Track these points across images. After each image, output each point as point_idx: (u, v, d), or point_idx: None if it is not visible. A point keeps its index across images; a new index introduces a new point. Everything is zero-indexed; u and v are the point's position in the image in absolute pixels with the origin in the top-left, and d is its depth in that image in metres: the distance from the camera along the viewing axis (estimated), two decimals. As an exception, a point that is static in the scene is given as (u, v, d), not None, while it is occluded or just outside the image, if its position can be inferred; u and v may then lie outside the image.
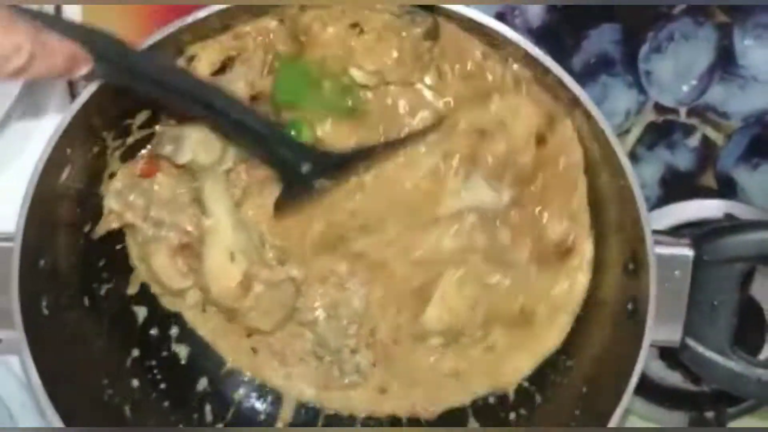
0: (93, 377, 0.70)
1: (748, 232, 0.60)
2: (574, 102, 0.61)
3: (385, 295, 0.73)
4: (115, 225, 0.70)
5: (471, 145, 0.68)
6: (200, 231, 0.69)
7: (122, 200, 0.70)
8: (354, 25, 0.65)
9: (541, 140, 0.67)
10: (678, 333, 0.62)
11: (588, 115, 0.61)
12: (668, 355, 0.81)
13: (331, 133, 0.68)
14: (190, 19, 0.60)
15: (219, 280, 0.69)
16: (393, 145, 0.69)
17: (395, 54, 0.65)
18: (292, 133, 0.66)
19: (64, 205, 0.66)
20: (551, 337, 0.71)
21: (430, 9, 0.64)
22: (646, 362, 0.82)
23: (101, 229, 0.70)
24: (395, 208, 0.71)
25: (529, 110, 0.67)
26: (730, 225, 0.60)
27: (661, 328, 0.61)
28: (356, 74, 0.66)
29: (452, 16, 0.63)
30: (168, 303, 0.76)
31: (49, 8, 0.78)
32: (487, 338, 0.72)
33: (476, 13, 0.61)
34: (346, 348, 0.74)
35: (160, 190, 0.71)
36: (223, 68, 0.67)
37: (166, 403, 0.74)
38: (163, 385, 0.75)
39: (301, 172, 0.66)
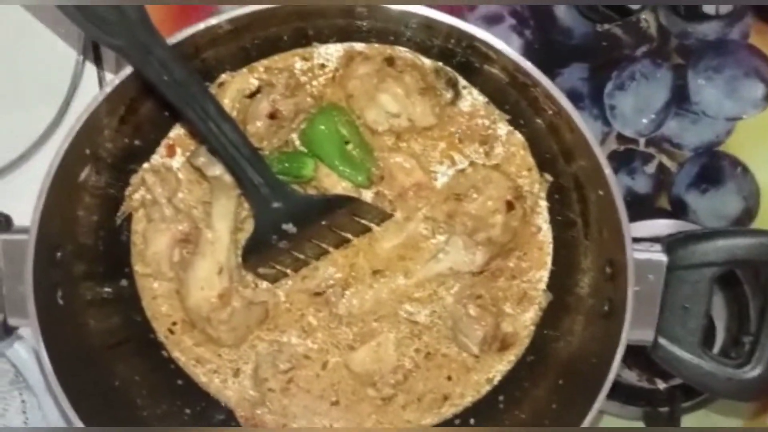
0: (104, 366, 0.63)
1: (718, 239, 0.55)
2: (559, 114, 0.56)
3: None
4: (143, 194, 0.65)
5: (449, 208, 0.65)
6: (198, 239, 0.63)
7: (158, 176, 0.64)
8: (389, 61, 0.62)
9: (510, 207, 0.64)
10: (651, 333, 0.57)
11: (572, 128, 0.55)
12: (625, 354, 0.76)
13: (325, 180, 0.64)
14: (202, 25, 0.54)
15: (202, 289, 0.63)
16: (367, 206, 0.64)
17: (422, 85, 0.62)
18: (293, 164, 0.61)
19: (84, 199, 0.60)
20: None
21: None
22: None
23: (128, 206, 0.65)
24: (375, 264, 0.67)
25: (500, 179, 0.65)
26: (701, 233, 0.56)
27: (635, 328, 0.56)
28: (386, 101, 0.62)
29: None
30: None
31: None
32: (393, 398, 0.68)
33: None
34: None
35: (188, 184, 0.66)
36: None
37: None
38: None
39: (271, 207, 0.61)
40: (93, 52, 0.75)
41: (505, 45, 0.57)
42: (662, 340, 0.56)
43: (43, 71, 0.73)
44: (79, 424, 0.57)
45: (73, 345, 0.60)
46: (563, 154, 0.61)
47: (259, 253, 0.63)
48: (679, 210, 0.80)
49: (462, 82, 0.65)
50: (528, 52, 0.79)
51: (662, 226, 0.78)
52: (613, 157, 0.80)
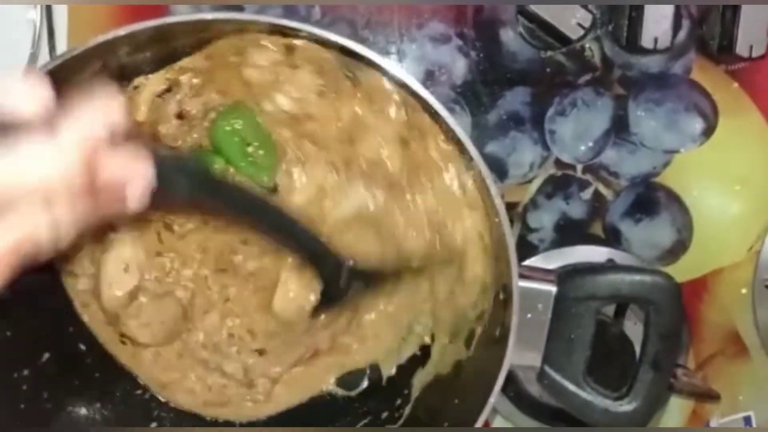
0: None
1: (604, 273, 0.57)
2: (457, 142, 0.58)
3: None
4: None
5: (344, 151, 0.65)
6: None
7: None
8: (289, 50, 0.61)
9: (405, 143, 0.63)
10: (538, 359, 0.58)
11: (469, 158, 0.57)
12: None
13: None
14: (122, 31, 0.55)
15: (111, 286, 0.65)
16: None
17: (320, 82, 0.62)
18: (203, 161, 0.63)
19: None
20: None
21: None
22: (528, 381, 0.80)
23: None
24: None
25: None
26: (590, 266, 0.58)
27: (523, 354, 0.58)
28: (281, 100, 0.63)
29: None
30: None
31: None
32: None
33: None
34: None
35: None
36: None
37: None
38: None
39: (339, 284, 0.64)
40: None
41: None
42: (548, 368, 0.57)
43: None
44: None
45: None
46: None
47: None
48: (612, 238, 0.81)
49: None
50: (473, 73, 0.81)
51: (595, 253, 0.79)
52: (550, 181, 0.82)
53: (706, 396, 0.76)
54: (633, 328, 0.78)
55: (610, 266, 0.60)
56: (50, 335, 0.67)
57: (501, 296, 0.59)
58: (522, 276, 0.57)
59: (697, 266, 0.82)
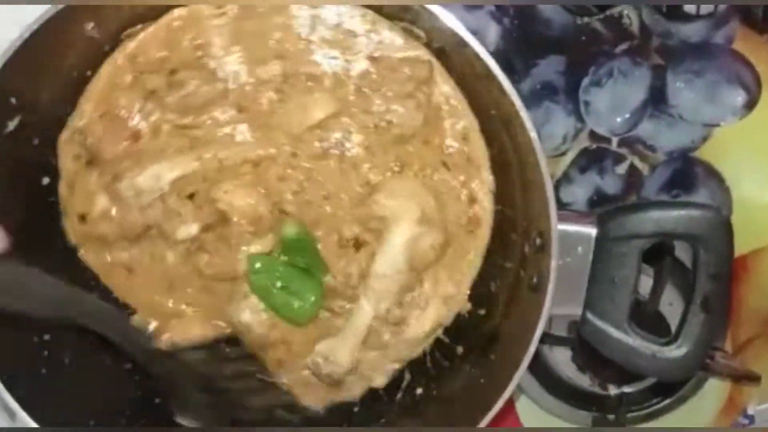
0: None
1: (647, 210, 0.53)
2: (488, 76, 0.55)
3: None
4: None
5: None
6: None
7: None
8: None
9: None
10: (579, 308, 0.54)
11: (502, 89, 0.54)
12: (579, 357, 0.74)
13: None
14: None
15: None
16: None
17: None
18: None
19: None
20: None
21: None
22: (558, 363, 0.76)
23: None
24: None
25: None
26: (631, 204, 0.54)
27: (563, 303, 0.55)
28: None
29: None
30: None
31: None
32: None
33: None
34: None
35: None
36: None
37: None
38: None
39: None
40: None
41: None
42: (589, 315, 0.54)
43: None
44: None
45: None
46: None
47: None
48: (647, 214, 0.78)
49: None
50: (506, 40, 0.78)
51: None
52: (584, 154, 0.79)
53: (745, 378, 0.71)
54: (669, 308, 0.75)
55: (654, 202, 0.57)
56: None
57: (537, 242, 0.56)
58: (559, 219, 0.54)
59: (736, 246, 0.78)
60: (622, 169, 0.79)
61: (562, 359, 0.75)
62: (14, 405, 0.54)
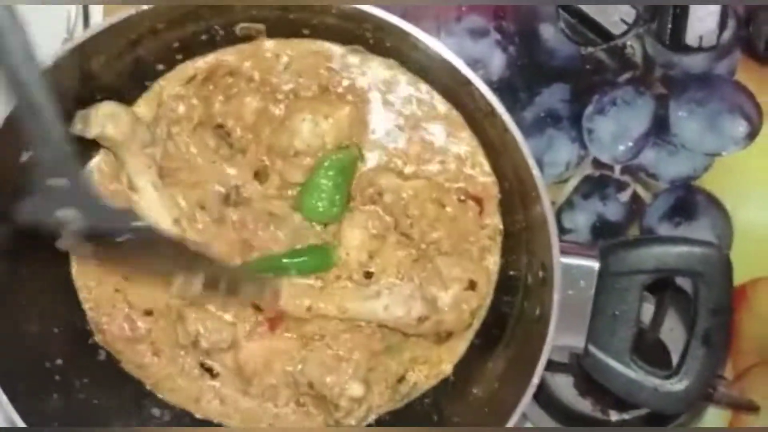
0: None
1: (649, 246, 0.54)
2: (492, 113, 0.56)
3: None
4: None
5: None
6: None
7: None
8: None
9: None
10: (581, 340, 0.55)
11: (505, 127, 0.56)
12: (581, 382, 0.75)
13: None
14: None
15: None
16: None
17: None
18: None
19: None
20: None
21: None
22: (559, 388, 0.77)
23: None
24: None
25: None
26: (633, 239, 0.55)
27: (566, 335, 0.56)
28: None
29: None
30: None
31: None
32: None
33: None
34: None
35: None
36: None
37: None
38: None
39: None
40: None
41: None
42: (591, 347, 0.55)
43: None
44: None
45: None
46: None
47: None
48: (649, 241, 0.80)
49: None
50: (511, 69, 0.80)
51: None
52: (587, 181, 0.80)
53: (744, 407, 0.72)
54: (669, 335, 0.76)
55: (656, 237, 0.58)
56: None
57: (540, 274, 0.57)
58: (563, 252, 0.55)
59: (736, 275, 0.79)
60: (624, 196, 0.80)
61: (563, 384, 0.76)
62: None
